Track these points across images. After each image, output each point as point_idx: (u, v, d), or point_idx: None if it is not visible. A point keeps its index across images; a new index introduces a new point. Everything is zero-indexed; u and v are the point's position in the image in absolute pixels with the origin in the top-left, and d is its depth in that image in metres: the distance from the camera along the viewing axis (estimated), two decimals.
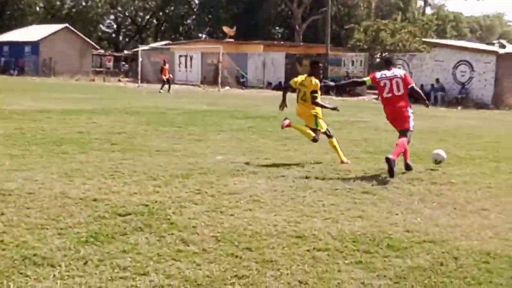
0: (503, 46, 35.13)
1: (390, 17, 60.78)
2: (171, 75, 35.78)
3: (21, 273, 4.65)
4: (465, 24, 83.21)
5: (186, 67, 47.19)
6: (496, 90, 30.65)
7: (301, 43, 56.06)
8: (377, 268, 5.05)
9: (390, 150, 11.98)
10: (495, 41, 40.92)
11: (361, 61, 38.18)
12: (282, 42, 57.23)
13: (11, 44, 59.68)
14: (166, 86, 33.57)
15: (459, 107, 29.46)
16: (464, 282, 4.79)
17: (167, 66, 35.80)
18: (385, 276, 4.89)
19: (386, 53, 41.73)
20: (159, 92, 32.54)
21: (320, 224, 6.36)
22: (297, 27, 61.67)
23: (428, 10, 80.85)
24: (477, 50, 33.42)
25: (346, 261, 5.21)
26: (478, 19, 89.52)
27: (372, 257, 5.33)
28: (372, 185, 8.57)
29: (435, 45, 36.67)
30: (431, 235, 6.06)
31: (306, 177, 8.95)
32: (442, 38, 59.08)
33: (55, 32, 57.77)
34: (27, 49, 57.80)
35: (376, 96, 35.80)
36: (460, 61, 32.57)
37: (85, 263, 4.92)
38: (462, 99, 31.31)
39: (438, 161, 10.29)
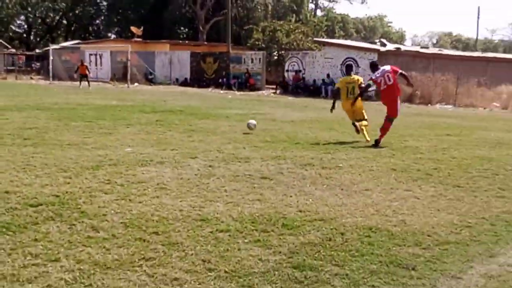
0: (383, 45, 36.41)
1: (285, 18, 61.50)
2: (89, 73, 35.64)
3: None
4: (351, 25, 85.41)
5: (96, 65, 45.94)
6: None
7: (205, 43, 55.83)
8: (273, 245, 5.15)
9: (286, 139, 12.27)
10: (377, 40, 42.32)
11: (259, 59, 38.50)
12: (187, 42, 56.69)
13: None
14: (85, 83, 33.68)
15: None
16: (349, 255, 4.96)
17: (85, 64, 35.65)
18: (280, 252, 4.99)
19: (282, 52, 42.28)
20: (79, 87, 32.81)
21: (222, 208, 6.39)
22: (200, 27, 61.35)
23: (319, 13, 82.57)
24: (361, 48, 34.53)
25: (246, 240, 5.28)
26: (362, 21, 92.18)
27: (269, 236, 5.42)
28: (270, 171, 8.69)
29: (325, 44, 37.54)
30: (321, 214, 6.24)
31: (210, 166, 8.96)
32: (332, 37, 60.53)
33: None
34: None
35: (273, 91, 36.36)
36: (347, 58, 33.49)
37: None
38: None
39: (251, 128, 13.24)
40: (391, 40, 67.51)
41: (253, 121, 13.67)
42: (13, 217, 5.72)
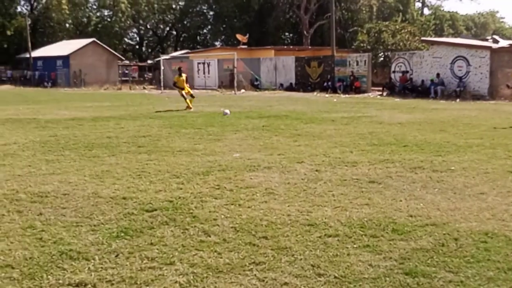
0: (496, 41, 34.79)
1: (390, 19, 60.38)
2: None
3: (59, 267, 4.72)
4: (461, 22, 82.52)
5: (204, 73, 47.24)
6: (491, 82, 30.36)
7: (309, 47, 55.93)
8: (383, 251, 5.06)
9: (394, 142, 12.03)
10: (489, 37, 40.54)
11: (365, 61, 37.94)
12: (291, 47, 57.08)
13: (44, 58, 60.13)
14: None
15: (458, 100, 29.23)
16: (464, 261, 4.79)
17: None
18: (390, 257, 4.90)
19: (388, 53, 41.53)
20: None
21: (330, 213, 6.37)
22: (305, 32, 61.53)
23: (426, 11, 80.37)
24: (472, 46, 33.11)
25: (355, 245, 5.23)
26: (473, 17, 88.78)
27: (379, 241, 5.34)
28: (378, 174, 8.56)
29: (433, 43, 36.35)
30: (433, 219, 6.06)
31: (317, 170, 8.96)
32: (440, 36, 58.66)
33: (83, 46, 58.10)
34: (58, 62, 58.20)
35: (380, 93, 35.71)
36: (457, 56, 32.27)
37: (117, 256, 4.98)
38: (460, 92, 31.03)
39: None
40: (504, 37, 64.35)
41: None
42: (130, 222, 6.01)
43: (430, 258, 4.85)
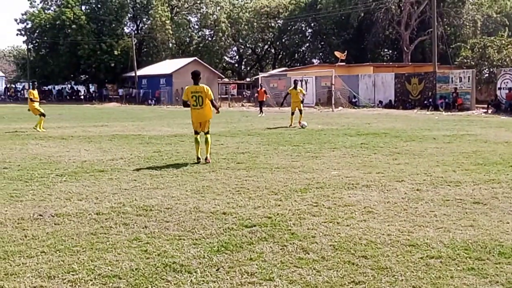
0: None
1: (496, 33, 58.14)
2: (267, 96, 36.26)
3: (163, 279, 4.89)
4: None
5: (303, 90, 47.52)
6: None
7: (409, 63, 54.84)
8: (489, 274, 4.87)
9: (500, 161, 11.54)
10: None
11: (468, 77, 36.70)
12: (390, 63, 56.23)
13: (148, 77, 62.79)
14: (263, 108, 33.90)
15: None
16: None
17: (263, 89, 35.85)
18: (497, 282, 4.70)
19: (494, 69, 39.98)
20: (260, 115, 32.15)
21: (433, 233, 6.20)
22: (405, 48, 60.48)
23: None
24: None
25: (459, 268, 5.06)
26: None
27: (484, 264, 5.14)
28: (483, 195, 8.24)
29: None
30: None
31: (418, 189, 8.75)
32: None
33: (185, 65, 60.08)
34: (162, 81, 60.54)
35: (484, 110, 34.36)
36: None
37: (218, 270, 5.09)
38: None
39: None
40: None
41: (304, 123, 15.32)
42: (230, 237, 6.12)
43: None
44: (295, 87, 22.91)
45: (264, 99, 35.04)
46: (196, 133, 12.31)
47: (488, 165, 11.19)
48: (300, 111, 22.31)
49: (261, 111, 33.31)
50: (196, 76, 12.48)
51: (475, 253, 5.47)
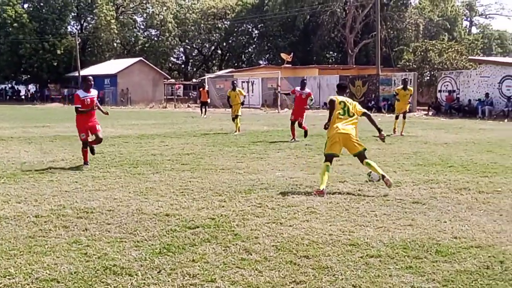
0: None
1: (437, 37, 59.82)
2: (209, 99, 34.63)
3: (103, 282, 4.82)
4: (510, 41, 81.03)
5: (248, 91, 47.56)
6: None
7: (354, 66, 55.74)
8: (426, 272, 5.00)
9: (439, 162, 11.87)
10: None
11: (410, 80, 37.55)
12: (335, 66, 57.04)
13: (92, 77, 61.54)
14: (206, 109, 32.75)
15: (506, 120, 28.64)
16: (509, 284, 4.70)
17: (205, 89, 34.54)
18: (434, 279, 4.83)
19: (435, 72, 41.08)
20: (203, 117, 31.13)
21: (373, 233, 6.33)
22: (349, 51, 61.43)
23: (474, 30, 79.40)
24: None
25: (397, 266, 5.18)
26: None
27: (422, 262, 5.28)
28: (422, 195, 8.45)
29: (481, 62, 35.83)
30: (478, 241, 5.95)
31: (359, 190, 8.91)
32: (488, 55, 57.71)
33: (131, 65, 59.35)
34: (106, 81, 59.54)
35: (425, 112, 35.28)
36: (506, 76, 31.67)
37: (159, 272, 5.05)
38: (509, 112, 30.42)
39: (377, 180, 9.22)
40: None
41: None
42: (173, 239, 6.09)
43: (474, 281, 4.77)
44: (233, 89, 20.93)
45: (208, 100, 34.45)
46: None
47: (428, 165, 11.49)
48: (236, 116, 20.09)
49: (204, 112, 32.59)
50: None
51: (413, 251, 5.61)
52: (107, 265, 5.22)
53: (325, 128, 9.47)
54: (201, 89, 35.47)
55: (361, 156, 9.03)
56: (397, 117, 19.61)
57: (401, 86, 20.11)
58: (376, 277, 4.90)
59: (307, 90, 17.44)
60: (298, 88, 17.45)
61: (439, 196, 8.40)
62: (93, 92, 11.93)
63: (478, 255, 5.46)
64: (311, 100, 17.77)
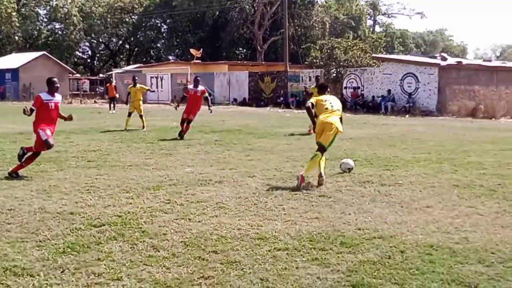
0: (444, 59, 35.68)
1: (343, 35, 61.46)
2: (117, 94, 33.80)
3: (2, 284, 4.61)
4: (411, 40, 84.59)
5: (157, 87, 46.95)
6: (440, 99, 31.14)
7: (263, 62, 56.30)
8: (331, 264, 5.13)
9: (344, 156, 12.18)
10: (437, 55, 41.52)
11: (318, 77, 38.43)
12: (245, 62, 57.36)
13: None
14: (117, 104, 32.21)
15: (407, 115, 29.88)
16: (409, 273, 4.89)
17: (113, 84, 34.08)
18: (338, 270, 4.96)
19: (341, 69, 42.21)
20: (112, 112, 30.59)
21: (280, 226, 6.42)
22: (258, 47, 61.98)
23: (377, 28, 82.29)
24: (421, 63, 33.92)
25: (304, 259, 5.28)
26: (422, 35, 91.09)
27: (327, 254, 5.41)
28: (328, 188, 8.66)
29: (384, 60, 37.13)
30: (380, 232, 6.17)
31: (268, 184, 9.01)
32: (391, 53, 59.96)
33: (33, 59, 57.00)
34: (7, 75, 56.89)
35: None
36: (407, 73, 33.03)
37: (62, 272, 4.90)
38: (410, 108, 31.74)
39: (349, 169, 10.21)
40: (452, 54, 66.32)
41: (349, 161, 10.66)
42: (78, 237, 5.92)
43: (377, 271, 4.94)
44: (134, 85, 20.08)
45: (116, 95, 33.67)
46: None
47: (334, 160, 11.76)
48: (140, 116, 19.54)
49: (113, 107, 31.86)
50: None
51: (319, 244, 5.74)
52: (7, 266, 5.00)
53: (314, 131, 9.80)
54: (108, 84, 34.60)
55: (324, 150, 9.29)
56: (129, 114, 19.25)
57: (314, 85, 19.23)
58: (283, 269, 4.97)
59: (200, 87, 17.08)
60: (191, 87, 17.16)
61: (344, 189, 8.64)
62: None
63: (380, 246, 5.66)
64: (210, 95, 18.25)
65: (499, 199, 7.92)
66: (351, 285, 4.59)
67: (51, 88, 10.39)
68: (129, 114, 19.80)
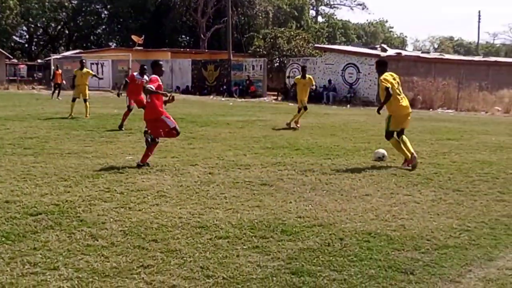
0: (384, 50, 36.35)
1: (286, 25, 61.67)
2: (64, 81, 32.59)
3: None
4: (352, 31, 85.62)
5: (97, 74, 46.03)
6: (379, 89, 31.78)
7: (206, 50, 55.94)
8: (272, 251, 5.16)
9: (287, 145, 12.30)
10: (378, 46, 42.26)
11: (260, 66, 38.53)
12: (188, 50, 56.85)
13: None
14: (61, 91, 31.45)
15: (348, 105, 30.34)
16: (348, 260, 4.97)
17: (59, 71, 33.39)
18: (278, 258, 5.00)
19: (284, 58, 42.42)
20: (57, 99, 29.87)
21: (222, 215, 6.41)
22: (201, 35, 61.47)
23: (320, 19, 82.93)
24: (362, 54, 34.50)
25: (245, 247, 5.29)
26: (363, 26, 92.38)
27: (268, 242, 5.44)
28: (270, 177, 8.71)
29: (326, 50, 37.55)
30: (320, 220, 6.25)
31: (210, 173, 8.98)
32: (333, 44, 60.60)
33: None
34: None
35: (275, 97, 36.37)
36: (348, 64, 33.54)
37: None
38: (351, 98, 32.26)
39: (380, 158, 10.51)
40: (392, 46, 67.63)
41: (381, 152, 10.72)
42: (13, 226, 5.75)
43: (316, 258, 5.00)
44: (81, 68, 19.22)
45: (63, 82, 32.73)
46: None
47: (276, 148, 11.86)
48: (85, 100, 18.71)
49: (57, 94, 31.09)
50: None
51: (260, 232, 5.76)
52: None
53: (378, 112, 10.67)
54: (56, 70, 33.79)
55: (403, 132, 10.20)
56: (299, 110, 17.33)
57: (300, 75, 17.96)
58: (224, 258, 4.97)
59: (146, 77, 15.73)
60: (136, 74, 16.32)
61: (286, 177, 8.70)
62: None
63: (320, 233, 5.74)
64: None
65: (435, 188, 8.15)
66: (291, 272, 4.63)
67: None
68: (74, 100, 18.98)
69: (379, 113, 10.65)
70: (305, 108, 17.25)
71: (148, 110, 9.70)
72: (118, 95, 17.76)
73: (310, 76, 18.03)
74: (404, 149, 9.90)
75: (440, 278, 4.57)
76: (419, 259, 5.02)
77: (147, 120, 9.80)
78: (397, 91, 10.09)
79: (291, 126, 16.76)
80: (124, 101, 16.56)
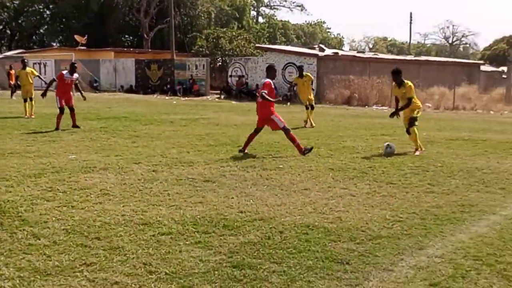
0: (322, 50, 36.85)
1: (228, 25, 61.65)
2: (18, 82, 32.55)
3: None
4: (292, 31, 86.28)
5: (40, 74, 44.71)
6: (318, 88, 32.16)
7: (150, 50, 55.31)
8: (214, 246, 5.15)
9: (229, 143, 12.29)
10: (316, 46, 42.76)
11: (203, 65, 38.37)
12: (131, 49, 56.04)
13: None
14: (18, 91, 30.90)
15: (289, 103, 30.57)
16: (287, 252, 5.01)
17: (13, 71, 32.41)
18: (220, 252, 4.99)
19: (226, 57, 42.41)
20: (13, 98, 29.45)
21: (165, 211, 6.35)
22: (145, 35, 60.70)
23: (261, 20, 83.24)
24: (301, 54, 34.86)
25: (187, 242, 5.26)
26: (302, 27, 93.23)
27: (210, 237, 5.42)
28: (212, 174, 8.69)
29: (267, 49, 37.73)
30: (261, 214, 6.28)
31: (154, 171, 8.89)
32: (273, 44, 60.93)
33: None
34: None
35: (218, 96, 36.32)
36: (288, 63, 33.82)
37: None
38: (291, 96, 32.50)
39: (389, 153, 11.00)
40: (329, 46, 68.49)
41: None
42: None
43: (257, 251, 5.02)
44: (23, 67, 19.13)
45: (17, 83, 31.77)
46: None
47: (219, 146, 11.85)
48: (31, 99, 18.55)
49: (11, 93, 30.44)
50: None
51: (202, 227, 5.74)
52: None
53: (392, 116, 11.58)
54: (10, 70, 33.01)
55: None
56: (306, 108, 17.21)
57: (297, 75, 17.86)
58: (167, 253, 4.93)
59: (75, 75, 15.89)
60: (65, 72, 15.92)
61: (228, 174, 8.70)
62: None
63: (261, 227, 5.76)
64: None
65: (369, 181, 8.32)
66: (232, 266, 4.63)
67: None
68: (25, 100, 18.71)
69: (394, 116, 11.62)
70: (312, 107, 17.11)
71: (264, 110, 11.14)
72: (43, 95, 16.17)
73: (308, 74, 18.29)
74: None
75: (374, 267, 4.67)
76: (355, 249, 5.11)
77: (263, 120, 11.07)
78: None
79: (312, 125, 16.86)
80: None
